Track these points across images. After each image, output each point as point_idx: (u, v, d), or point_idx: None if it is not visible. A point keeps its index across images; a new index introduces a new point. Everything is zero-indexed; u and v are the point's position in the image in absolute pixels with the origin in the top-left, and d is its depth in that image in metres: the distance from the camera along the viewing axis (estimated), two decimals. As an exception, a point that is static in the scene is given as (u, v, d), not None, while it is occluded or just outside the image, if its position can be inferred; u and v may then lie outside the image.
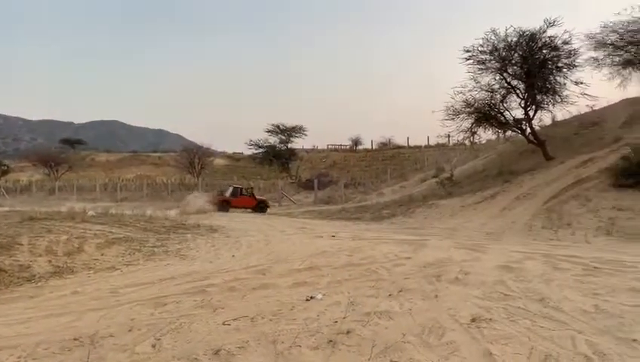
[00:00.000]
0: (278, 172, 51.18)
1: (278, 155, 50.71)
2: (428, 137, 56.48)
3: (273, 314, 5.26)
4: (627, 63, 23.18)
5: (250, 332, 4.71)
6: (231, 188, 29.50)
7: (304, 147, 61.99)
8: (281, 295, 6.16)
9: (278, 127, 51.39)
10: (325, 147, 67.77)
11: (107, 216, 15.36)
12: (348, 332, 4.61)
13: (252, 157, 54.84)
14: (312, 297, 5.94)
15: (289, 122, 52.61)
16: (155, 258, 9.59)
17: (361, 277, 7.15)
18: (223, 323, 4.99)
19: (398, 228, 15.84)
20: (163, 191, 45.13)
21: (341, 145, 67.04)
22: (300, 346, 4.31)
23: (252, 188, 32.79)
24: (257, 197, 29.46)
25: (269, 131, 51.33)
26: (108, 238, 10.87)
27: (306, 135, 52.63)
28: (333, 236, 13.08)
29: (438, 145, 49.72)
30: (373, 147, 63.23)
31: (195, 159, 52.24)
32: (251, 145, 51.74)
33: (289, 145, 51.87)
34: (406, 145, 59.59)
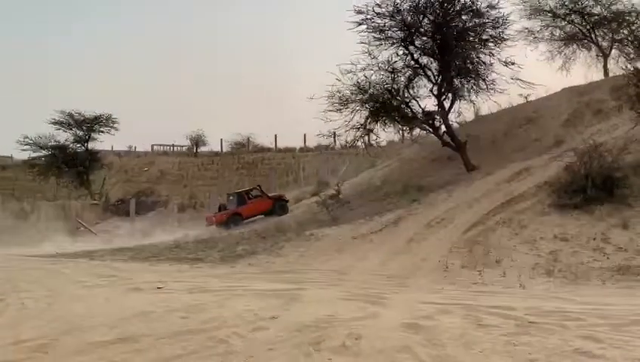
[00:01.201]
0: (71, 188, 48.90)
1: (71, 161, 48.36)
2: (305, 136, 56.98)
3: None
4: (571, 39, 25.95)
5: None
6: (235, 197, 32.98)
7: (115, 149, 59.78)
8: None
9: (71, 116, 48.91)
10: (149, 149, 65.33)
11: None
12: None
13: (28, 163, 51.03)
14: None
15: (91, 110, 50.10)
16: None
17: (202, 351, 7.00)
18: None
19: (260, 273, 15.82)
20: None
21: (174, 145, 65.41)
22: None
23: (259, 185, 35.50)
24: (270, 194, 33.21)
25: (56, 123, 48.66)
26: None
27: (116, 129, 50.73)
28: (160, 288, 12.72)
29: (320, 149, 51.08)
30: (224, 149, 62.44)
31: None
32: (26, 144, 48.55)
33: (90, 146, 49.78)
34: (273, 146, 59.59)
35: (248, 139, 62.83)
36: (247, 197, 33.10)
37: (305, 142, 57.04)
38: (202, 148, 63.11)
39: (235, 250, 20.49)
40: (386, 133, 25.02)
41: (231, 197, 33.93)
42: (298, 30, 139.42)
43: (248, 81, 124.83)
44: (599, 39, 32.34)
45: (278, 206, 32.19)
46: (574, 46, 31.08)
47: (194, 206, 41.86)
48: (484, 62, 23.25)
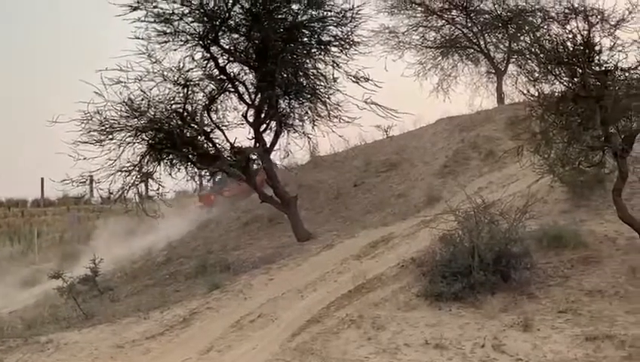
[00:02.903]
0: None
1: None
2: (42, 182, 54.92)
3: None
4: (451, 46, 26.99)
5: None
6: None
7: None
8: None
9: None
10: None
11: None
12: None
13: None
14: None
15: None
16: None
17: None
18: None
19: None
20: None
21: None
22: None
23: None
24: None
25: None
26: None
27: None
28: None
29: (67, 202, 50.88)
30: None
31: None
32: None
33: None
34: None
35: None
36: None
37: (43, 192, 55.53)
38: None
39: None
40: (174, 180, 24.57)
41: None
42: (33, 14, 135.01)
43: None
44: (491, 48, 33.92)
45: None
46: (455, 57, 32.50)
47: None
48: (324, 76, 23.73)
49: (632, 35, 16.51)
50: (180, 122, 23.10)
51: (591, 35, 16.80)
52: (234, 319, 18.08)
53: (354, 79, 23.33)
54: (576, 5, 16.51)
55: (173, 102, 23.11)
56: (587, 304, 14.98)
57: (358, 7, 23.61)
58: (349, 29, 23.52)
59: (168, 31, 22.74)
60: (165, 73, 22.86)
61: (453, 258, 16.48)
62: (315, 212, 23.98)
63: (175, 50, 23.13)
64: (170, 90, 23.11)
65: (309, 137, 24.94)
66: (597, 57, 16.92)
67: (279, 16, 23.01)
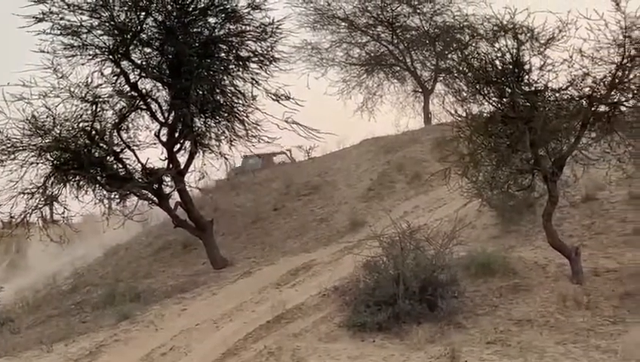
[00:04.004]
0: None
1: None
2: None
3: None
4: (376, 63, 26.68)
5: None
6: None
7: None
8: None
9: None
10: None
11: None
12: None
13: None
14: None
15: None
16: None
17: None
18: None
19: None
20: None
21: None
22: None
23: None
24: None
25: None
26: None
27: None
28: None
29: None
30: None
31: None
32: None
33: None
34: None
35: None
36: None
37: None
38: None
39: None
40: (81, 204, 23.73)
41: None
42: None
43: None
44: (418, 66, 33.88)
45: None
46: (381, 75, 32.34)
47: None
48: (242, 94, 23.26)
49: (563, 54, 16.30)
50: (87, 141, 22.48)
51: (520, 54, 16.75)
52: (144, 352, 17.60)
53: (274, 97, 23.06)
54: (505, 23, 16.11)
55: (80, 120, 22.50)
56: (516, 334, 14.82)
57: (278, 21, 23.38)
58: (268, 44, 23.26)
59: (76, 44, 22.11)
60: (72, 89, 22.21)
61: (378, 286, 16.21)
62: (232, 237, 23.46)
63: (83, 64, 22.50)
64: (78, 107, 22.49)
65: (226, 158, 24.66)
66: (526, 77, 16.90)
67: (195, 30, 22.68)
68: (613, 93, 16.61)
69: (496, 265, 17.52)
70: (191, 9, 22.26)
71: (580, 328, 14.67)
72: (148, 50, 22.63)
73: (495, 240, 19.89)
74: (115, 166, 22.93)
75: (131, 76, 22.82)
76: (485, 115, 17.71)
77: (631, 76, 16.43)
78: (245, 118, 23.22)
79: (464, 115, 18.06)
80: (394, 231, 17.50)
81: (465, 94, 18.19)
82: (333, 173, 26.36)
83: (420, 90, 34.01)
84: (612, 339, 13.94)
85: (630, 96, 16.75)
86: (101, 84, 22.63)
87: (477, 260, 17.77)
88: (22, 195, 22.12)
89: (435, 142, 24.84)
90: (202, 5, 22.31)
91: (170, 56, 22.51)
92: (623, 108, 17.00)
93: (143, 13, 22.06)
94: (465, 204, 19.93)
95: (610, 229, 19.37)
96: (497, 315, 15.72)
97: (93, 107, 22.42)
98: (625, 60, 16.12)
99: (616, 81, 16.35)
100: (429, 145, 26.02)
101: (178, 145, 23.16)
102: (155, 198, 23.50)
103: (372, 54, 26.40)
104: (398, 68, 33.53)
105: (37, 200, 22.26)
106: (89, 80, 22.37)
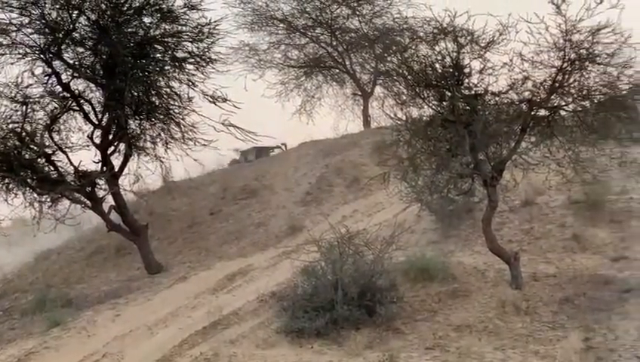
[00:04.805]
0: None
1: None
2: None
3: None
4: (314, 65, 26.62)
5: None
6: None
7: None
8: None
9: None
10: None
11: None
12: None
13: None
14: None
15: None
16: None
17: None
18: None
19: None
20: None
21: None
22: None
23: None
24: None
25: None
26: None
27: None
28: None
29: None
30: None
31: None
32: None
33: None
34: None
35: None
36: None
37: None
38: None
39: None
40: (10, 207, 23.26)
41: None
42: None
43: None
44: (357, 69, 33.84)
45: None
46: (320, 77, 32.29)
47: None
48: (178, 96, 23.12)
49: (503, 57, 16.38)
50: (17, 143, 22.15)
51: (460, 57, 16.75)
52: (76, 359, 17.35)
53: (211, 99, 22.99)
54: (445, 25, 16.09)
55: (10, 120, 22.16)
56: (455, 340, 14.82)
57: (215, 22, 23.24)
58: (205, 45, 23.15)
59: (5, 42, 21.83)
60: (1, 89, 21.96)
61: (316, 291, 16.16)
62: (167, 242, 23.27)
63: (12, 63, 22.24)
64: (7, 107, 22.15)
65: (161, 161, 24.50)
66: (466, 80, 16.92)
67: (129, 30, 22.50)
68: (553, 97, 16.79)
69: (436, 270, 17.55)
70: (125, 8, 22.06)
71: (518, 334, 14.75)
72: (81, 49, 22.38)
73: (434, 245, 19.96)
74: (46, 168, 22.60)
75: (63, 76, 22.53)
76: (425, 118, 17.68)
77: (571, 80, 16.62)
78: (181, 120, 23.13)
79: (404, 118, 17.96)
80: (332, 236, 17.43)
81: (404, 97, 18.25)
82: (271, 177, 26.28)
83: (360, 93, 34.06)
84: (551, 345, 14.08)
85: (570, 100, 16.95)
86: (32, 84, 22.33)
87: (416, 265, 17.80)
88: None
89: (375, 145, 24.84)
90: (137, 5, 22.10)
91: (104, 56, 22.27)
92: (562, 113, 17.16)
93: (76, 12, 21.83)
94: (404, 208, 19.95)
95: (550, 234, 19.61)
96: (436, 321, 15.73)
97: (24, 108, 22.11)
98: (565, 64, 16.32)
99: (557, 85, 16.56)
100: (369, 149, 26.03)
101: (112, 148, 22.92)
102: (88, 202, 23.23)
103: (311, 56, 26.42)
104: (337, 70, 33.54)
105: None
106: (19, 80, 22.09)
